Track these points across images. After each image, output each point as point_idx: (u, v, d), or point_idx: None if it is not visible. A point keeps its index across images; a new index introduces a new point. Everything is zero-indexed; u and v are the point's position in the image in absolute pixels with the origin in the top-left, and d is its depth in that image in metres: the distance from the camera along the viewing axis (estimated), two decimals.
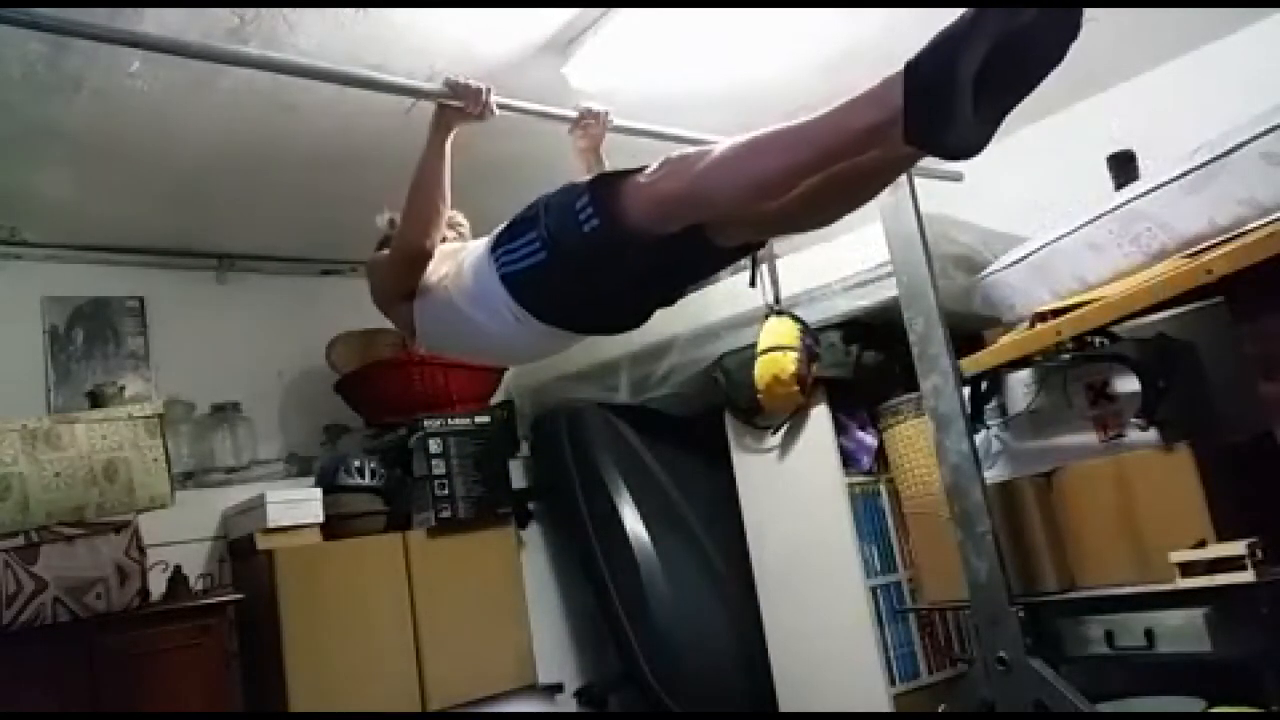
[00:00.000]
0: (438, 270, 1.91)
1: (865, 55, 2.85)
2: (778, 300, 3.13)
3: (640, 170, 1.55)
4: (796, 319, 3.11)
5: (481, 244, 1.81)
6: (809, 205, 1.56)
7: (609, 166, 2.19)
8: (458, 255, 1.90)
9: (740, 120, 2.62)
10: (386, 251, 2.03)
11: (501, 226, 1.76)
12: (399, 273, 1.94)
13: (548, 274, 1.65)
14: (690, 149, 1.51)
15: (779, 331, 3.10)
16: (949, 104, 1.23)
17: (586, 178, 1.71)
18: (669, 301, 1.83)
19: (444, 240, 2.01)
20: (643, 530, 3.69)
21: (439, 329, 1.94)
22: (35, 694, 2.48)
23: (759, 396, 3.18)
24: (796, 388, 3.11)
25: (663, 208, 1.50)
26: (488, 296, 1.74)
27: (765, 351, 3.11)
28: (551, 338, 1.83)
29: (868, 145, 1.38)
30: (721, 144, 1.47)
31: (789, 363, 3.07)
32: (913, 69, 1.27)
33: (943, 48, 1.25)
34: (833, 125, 1.37)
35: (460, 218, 2.16)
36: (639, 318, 1.84)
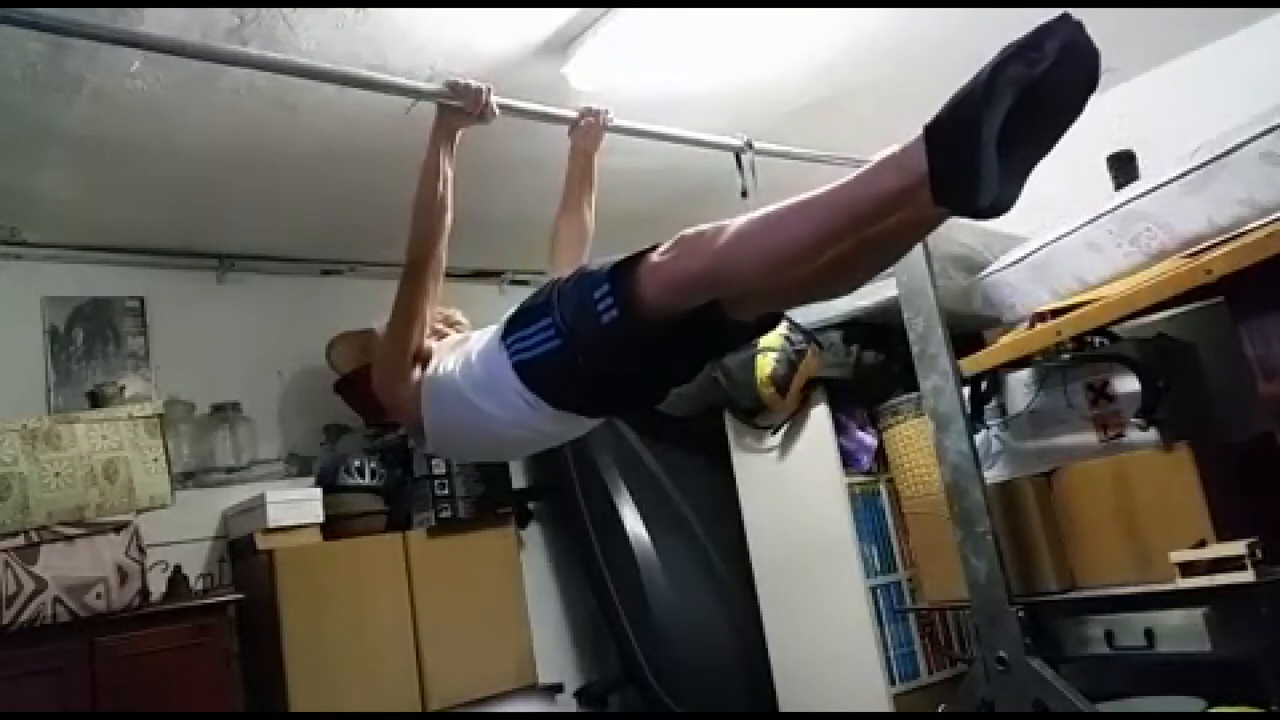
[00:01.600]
0: (444, 362, 1.84)
1: (865, 55, 2.85)
2: None
3: (653, 249, 1.51)
4: (785, 317, 3.09)
5: (490, 333, 1.77)
6: (834, 272, 1.52)
7: (595, 177, 2.19)
8: (464, 346, 1.84)
9: (740, 120, 2.64)
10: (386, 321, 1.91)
11: (511, 312, 1.73)
12: (406, 302, 1.83)
13: (563, 361, 1.61)
14: (705, 225, 1.47)
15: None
16: (975, 163, 1.22)
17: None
18: (686, 380, 1.79)
19: (447, 335, 1.97)
20: (643, 530, 3.69)
21: (446, 424, 1.84)
22: (35, 694, 2.48)
23: (760, 397, 3.19)
24: (773, 390, 3.11)
25: (680, 287, 1.47)
26: (499, 385, 1.70)
27: (760, 352, 3.13)
28: (564, 422, 1.78)
29: (894, 210, 1.35)
30: (739, 220, 1.43)
31: (766, 364, 3.08)
32: (934, 130, 1.26)
33: (964, 106, 1.24)
34: (856, 193, 1.34)
35: (460, 315, 2.09)
36: (655, 398, 1.82)
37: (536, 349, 1.63)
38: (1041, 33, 1.24)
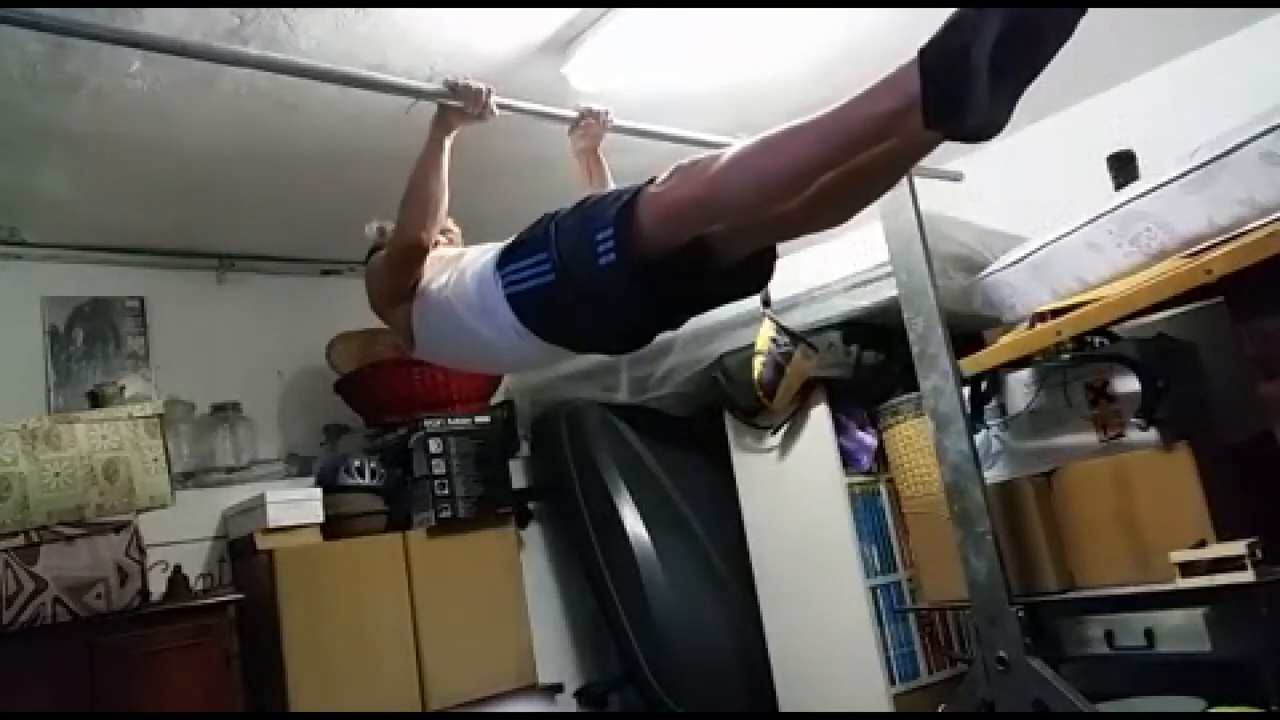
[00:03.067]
0: (436, 277, 1.90)
1: (865, 55, 2.85)
2: (766, 303, 3.11)
3: (650, 181, 1.53)
4: (774, 320, 3.10)
5: (486, 258, 1.78)
6: (823, 203, 1.52)
7: (606, 167, 2.19)
8: (458, 262, 1.88)
9: (740, 120, 2.63)
10: (383, 253, 2.01)
11: (509, 241, 1.75)
12: (396, 270, 1.93)
13: (555, 296, 1.63)
14: (700, 153, 1.49)
15: (759, 334, 3.11)
16: (966, 84, 1.23)
17: (600, 190, 1.70)
18: (673, 325, 1.80)
19: (438, 244, 1.99)
20: (643, 530, 3.69)
21: (437, 336, 1.92)
22: (35, 694, 2.48)
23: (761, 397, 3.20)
24: (761, 394, 3.11)
25: (678, 215, 1.48)
26: (492, 312, 1.73)
27: (752, 354, 3.14)
28: (551, 352, 1.83)
29: (886, 133, 1.35)
30: (734, 146, 1.45)
31: (756, 367, 3.08)
32: (927, 53, 1.27)
33: (955, 29, 1.25)
34: (849, 116, 1.35)
35: (451, 224, 2.13)
36: (641, 341, 1.83)
37: (529, 282, 1.65)
38: None
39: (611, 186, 2.19)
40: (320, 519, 3.18)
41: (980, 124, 1.26)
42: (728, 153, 1.44)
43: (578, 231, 1.59)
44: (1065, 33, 1.30)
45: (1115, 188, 2.68)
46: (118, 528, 2.67)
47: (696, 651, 3.54)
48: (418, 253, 1.88)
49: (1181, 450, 2.26)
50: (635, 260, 1.50)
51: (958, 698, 2.54)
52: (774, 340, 3.08)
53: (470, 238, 2.25)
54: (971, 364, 2.53)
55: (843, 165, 1.41)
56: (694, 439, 3.85)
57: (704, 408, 3.65)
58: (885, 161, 1.48)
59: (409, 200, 1.89)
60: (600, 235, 1.52)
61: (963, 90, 1.24)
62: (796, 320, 3.15)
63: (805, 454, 3.35)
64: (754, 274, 1.68)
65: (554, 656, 3.85)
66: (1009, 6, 1.24)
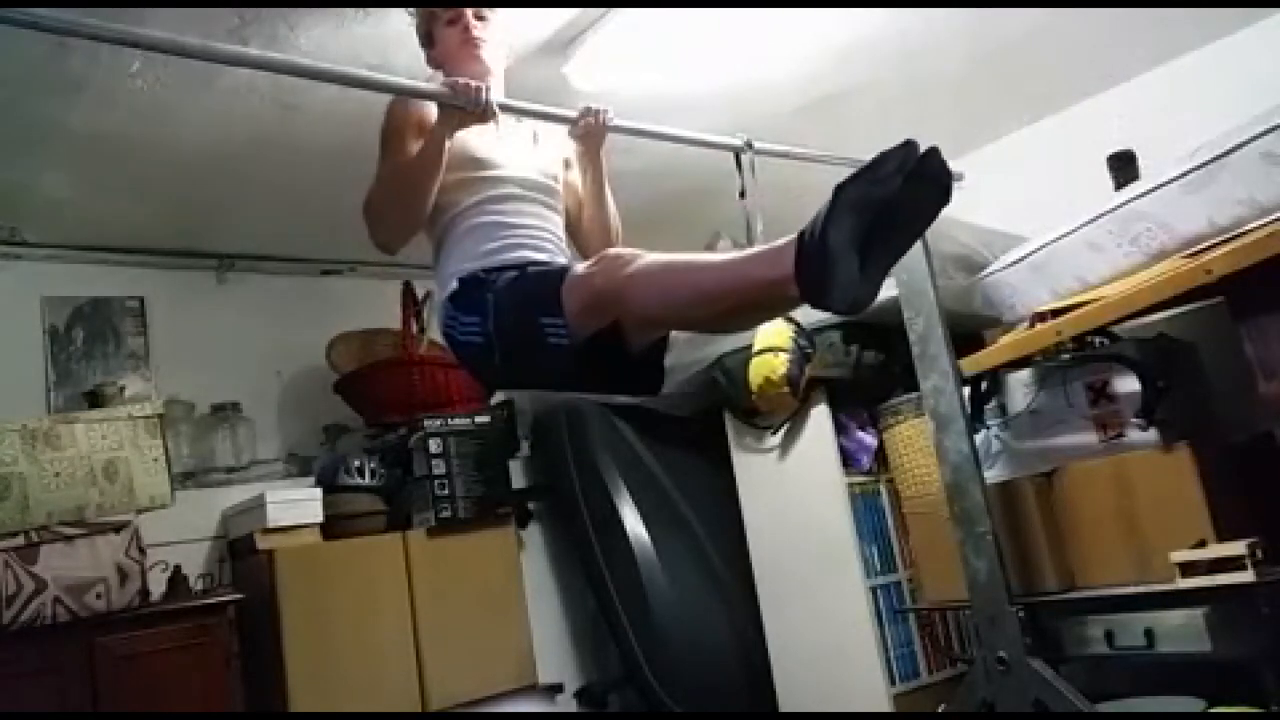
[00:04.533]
0: (457, 197, 1.98)
1: (864, 55, 2.85)
2: None
3: (581, 263, 1.77)
4: (790, 320, 3.11)
5: (464, 254, 1.95)
6: (711, 323, 1.80)
7: (605, 171, 2.19)
8: (474, 192, 1.98)
9: (740, 120, 2.64)
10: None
11: (459, 281, 1.91)
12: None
13: (480, 355, 1.86)
14: (626, 250, 1.67)
15: (771, 333, 3.10)
16: (829, 270, 1.37)
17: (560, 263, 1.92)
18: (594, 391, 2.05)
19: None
20: (643, 530, 3.69)
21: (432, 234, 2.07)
22: (35, 694, 2.48)
23: (753, 398, 3.18)
24: (787, 389, 3.11)
25: (594, 302, 1.65)
26: (440, 304, 1.98)
27: (759, 353, 3.12)
28: None
29: (766, 292, 1.52)
30: (649, 258, 1.62)
31: (779, 364, 3.08)
32: (801, 236, 1.42)
33: (817, 222, 1.39)
34: (741, 272, 1.54)
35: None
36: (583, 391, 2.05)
37: (463, 334, 1.88)
38: (879, 159, 1.38)
39: (609, 191, 2.20)
40: (320, 519, 3.18)
41: (848, 302, 1.40)
42: (642, 261, 1.61)
43: (519, 312, 1.78)
44: (928, 220, 1.46)
45: (1115, 188, 2.68)
46: (118, 528, 2.66)
47: (696, 651, 3.54)
48: (385, 251, 1.98)
49: (1182, 450, 2.26)
50: (582, 341, 1.68)
51: (958, 698, 2.54)
52: (794, 339, 3.08)
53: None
54: (971, 364, 2.53)
55: (732, 303, 1.59)
56: (694, 439, 3.85)
57: (704, 408, 3.65)
58: (764, 307, 1.69)
59: (398, 196, 1.91)
60: (546, 320, 1.70)
61: (827, 274, 1.37)
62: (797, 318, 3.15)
63: (805, 454, 3.35)
64: (647, 368, 1.85)
65: (554, 656, 3.84)
66: (862, 201, 1.37)
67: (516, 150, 2.08)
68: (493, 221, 1.96)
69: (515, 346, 1.79)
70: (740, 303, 1.59)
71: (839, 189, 1.39)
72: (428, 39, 2.12)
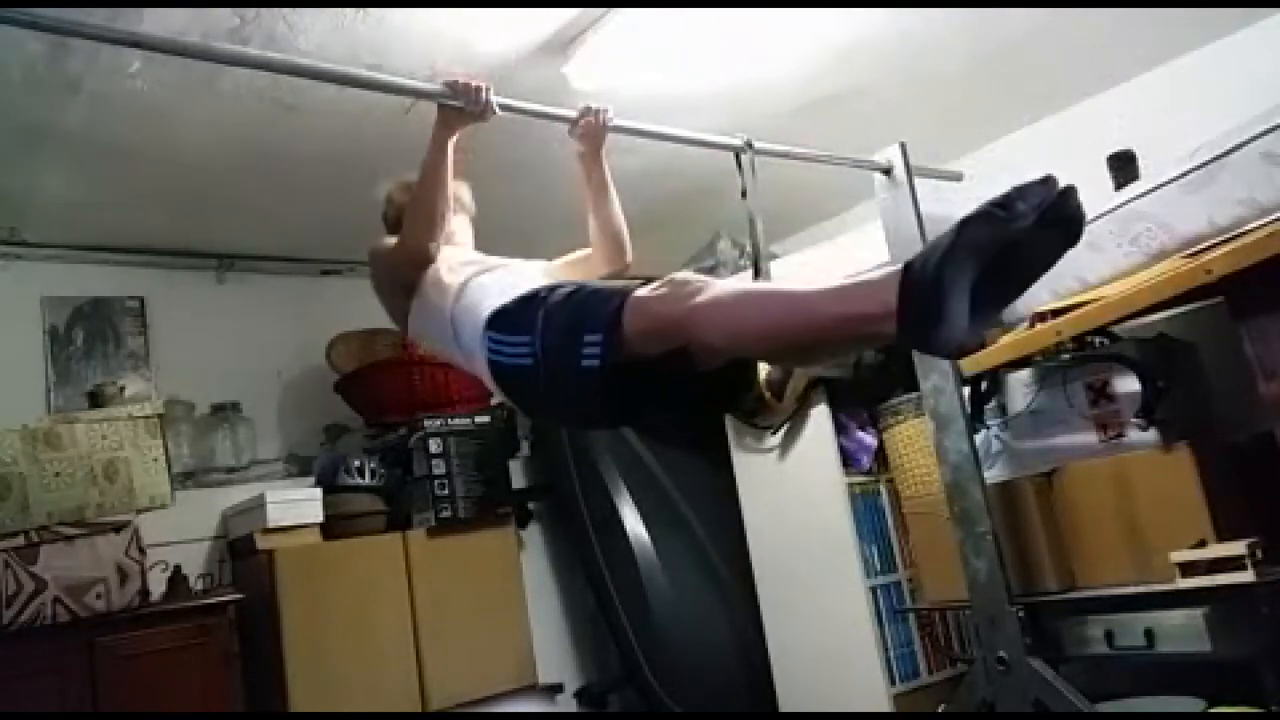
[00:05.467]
0: (439, 283, 1.94)
1: (865, 54, 2.85)
2: None
3: (644, 282, 1.59)
4: None
5: (482, 309, 1.82)
6: (785, 356, 1.69)
7: (607, 170, 2.19)
8: (461, 279, 1.93)
9: (740, 120, 2.64)
10: (390, 242, 2.06)
11: (500, 306, 1.78)
12: (400, 269, 2.00)
13: (528, 379, 1.70)
14: (695, 277, 1.54)
15: None
16: (940, 311, 1.24)
17: (602, 284, 1.77)
18: (635, 425, 1.91)
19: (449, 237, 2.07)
20: (643, 530, 3.69)
21: (429, 338, 2.06)
22: (35, 694, 2.48)
23: (765, 398, 3.19)
24: (768, 394, 3.12)
25: (656, 330, 1.52)
26: (474, 359, 1.84)
27: None
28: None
29: (856, 328, 1.38)
30: (724, 284, 1.50)
31: (763, 368, 3.09)
32: (911, 269, 1.29)
33: (932, 258, 1.27)
34: (828, 305, 1.39)
35: (463, 190, 2.22)
36: (610, 427, 1.94)
37: (509, 359, 1.72)
38: (1012, 195, 1.26)
39: (612, 190, 2.19)
40: (320, 519, 3.18)
41: (952, 346, 1.28)
42: (715, 288, 1.49)
43: (566, 328, 1.63)
44: (1051, 263, 1.32)
45: (1115, 188, 2.68)
46: (118, 528, 2.66)
47: (696, 651, 3.55)
48: (423, 262, 1.96)
49: (1182, 450, 2.26)
50: (617, 367, 1.55)
51: (958, 698, 2.54)
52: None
53: (472, 209, 2.27)
54: (972, 364, 2.53)
55: (808, 340, 1.47)
56: (694, 439, 3.85)
57: None
58: (854, 341, 1.56)
59: (416, 212, 1.94)
60: (589, 338, 1.56)
61: (937, 318, 1.25)
62: None
63: (805, 454, 3.35)
64: (722, 392, 1.75)
65: (554, 656, 3.85)
66: (986, 242, 1.25)
67: (491, 257, 2.12)
68: (494, 280, 1.93)
69: (555, 366, 1.64)
70: (820, 339, 1.46)
71: (964, 223, 1.26)
72: (397, 223, 2.12)
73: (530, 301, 1.73)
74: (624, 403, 1.65)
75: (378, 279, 2.09)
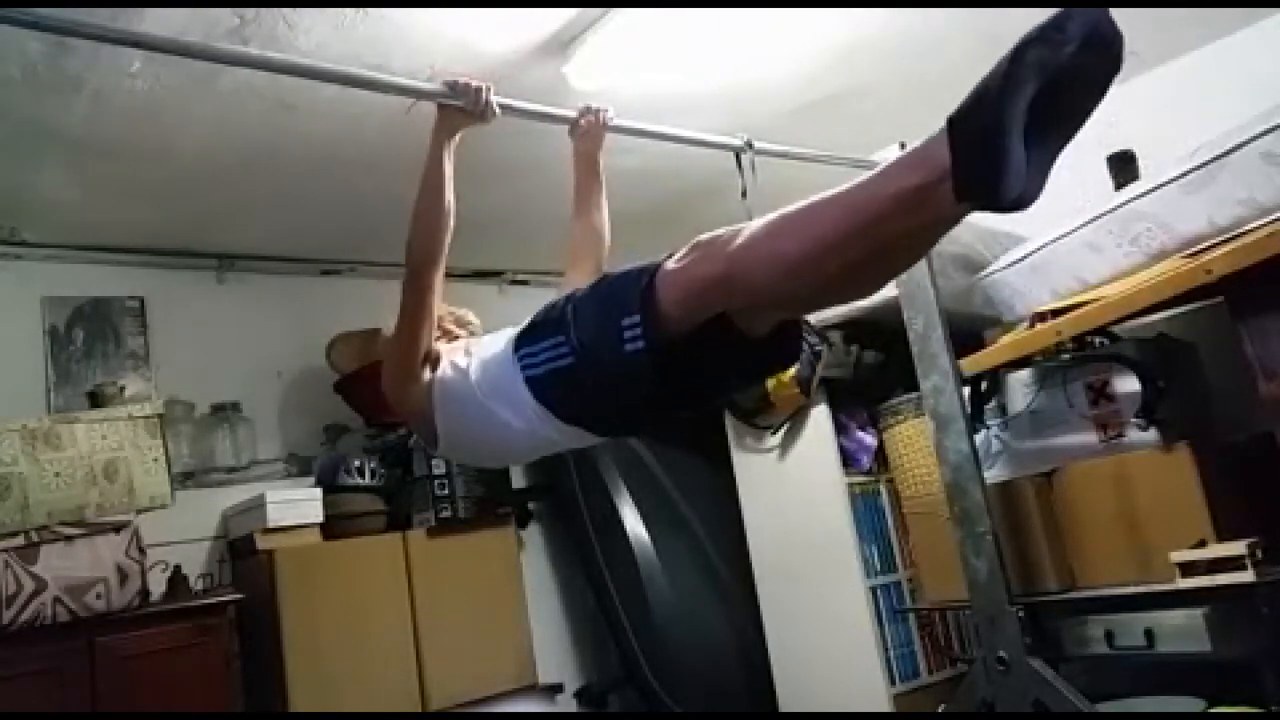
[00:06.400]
0: (456, 363, 1.83)
1: (865, 54, 2.85)
2: None
3: (669, 257, 1.49)
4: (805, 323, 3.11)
5: (501, 338, 1.75)
6: (847, 279, 1.44)
7: (601, 176, 2.18)
8: (475, 350, 1.83)
9: (740, 120, 2.64)
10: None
11: (524, 325, 1.71)
12: (415, 304, 1.80)
13: (573, 379, 1.59)
14: (720, 229, 1.43)
15: None
16: (1001, 151, 1.16)
17: (624, 268, 1.62)
18: (699, 410, 1.75)
19: (454, 337, 1.97)
20: (643, 530, 3.69)
21: (459, 427, 1.82)
22: (35, 694, 2.48)
23: (769, 398, 3.19)
24: (798, 389, 3.12)
25: (696, 293, 1.43)
26: (511, 394, 1.69)
27: None
28: (574, 434, 1.75)
29: (914, 209, 1.27)
30: (755, 222, 1.39)
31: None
32: (957, 121, 1.21)
33: (986, 95, 1.19)
34: (874, 192, 1.29)
35: (472, 316, 2.10)
36: (663, 423, 1.76)
37: (547, 365, 1.61)
38: (1063, 16, 1.19)
39: (603, 199, 2.18)
40: (320, 519, 3.18)
41: (1016, 194, 1.18)
42: (747, 229, 1.38)
43: (600, 317, 1.53)
44: (1101, 93, 1.25)
45: (1115, 188, 2.68)
46: (117, 528, 2.66)
47: (696, 651, 3.55)
48: (432, 271, 1.79)
49: (1182, 450, 2.26)
50: (662, 345, 1.45)
51: (958, 698, 2.54)
52: (805, 338, 3.08)
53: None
54: (972, 364, 2.53)
55: (864, 244, 1.33)
56: (694, 439, 3.85)
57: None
58: (911, 236, 1.39)
59: (420, 216, 1.82)
60: (626, 321, 1.46)
61: (998, 157, 1.16)
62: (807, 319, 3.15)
63: (805, 454, 3.35)
64: (779, 349, 1.62)
65: (554, 657, 3.85)
66: (1040, 64, 1.18)
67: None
68: (494, 333, 1.85)
69: (603, 357, 1.51)
70: (878, 239, 1.31)
71: (1020, 49, 1.17)
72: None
73: (553, 306, 1.65)
74: (678, 385, 1.53)
75: (390, 374, 1.87)
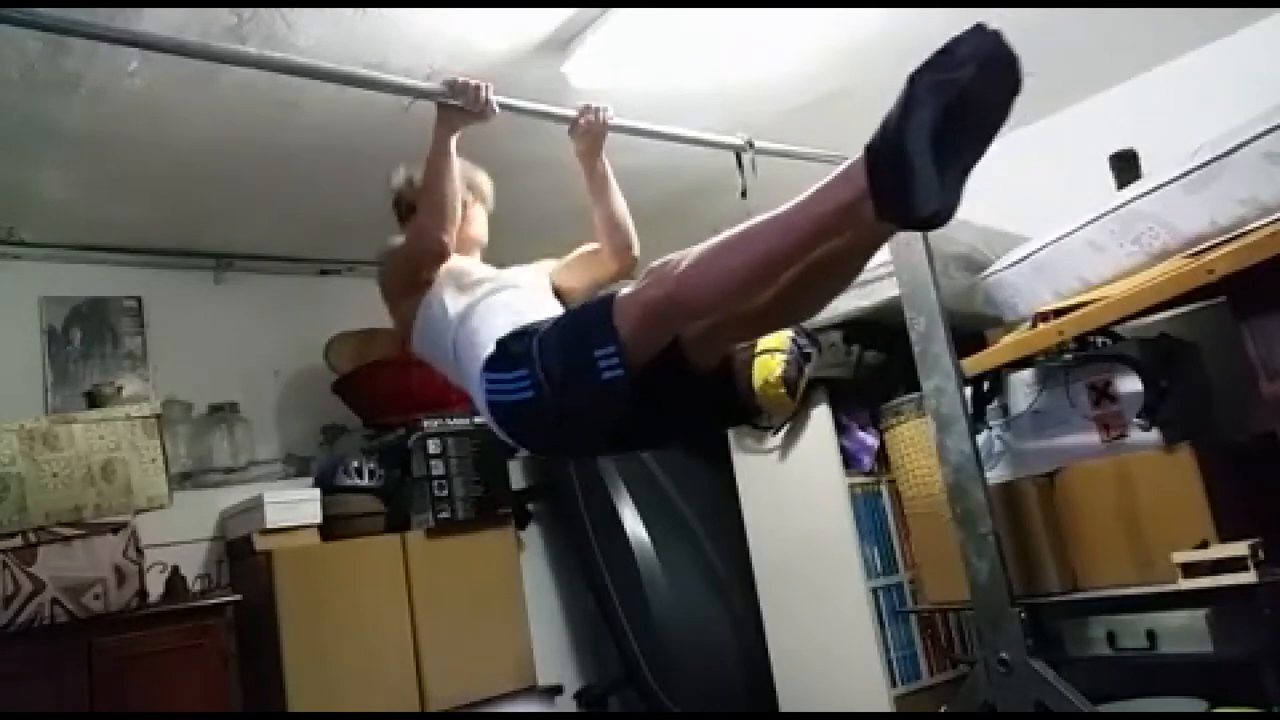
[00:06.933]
0: (443, 301, 1.93)
1: (864, 54, 2.85)
2: None
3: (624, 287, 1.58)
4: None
5: (482, 332, 1.82)
6: (787, 300, 1.56)
7: (609, 170, 2.18)
8: (468, 295, 1.92)
9: (740, 119, 2.63)
10: (400, 242, 2.04)
11: (495, 345, 1.75)
12: (413, 267, 1.98)
13: (533, 412, 1.65)
14: (670, 255, 1.50)
15: (770, 334, 3.10)
16: (909, 171, 1.26)
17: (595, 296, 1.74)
18: (658, 446, 1.88)
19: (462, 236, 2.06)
20: (643, 530, 3.68)
21: (431, 355, 2.04)
22: (33, 694, 2.47)
23: (756, 399, 3.18)
24: (783, 390, 3.11)
25: (651, 316, 1.49)
26: (475, 395, 1.83)
27: (760, 354, 3.12)
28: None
29: (842, 226, 1.38)
30: (700, 246, 1.47)
31: (775, 366, 3.08)
32: (871, 146, 1.31)
33: (890, 120, 1.29)
34: (805, 211, 1.38)
35: (483, 178, 2.18)
36: (621, 451, 1.87)
37: (509, 395, 1.67)
38: (952, 43, 1.30)
39: (614, 185, 2.18)
40: (318, 520, 3.17)
41: (930, 210, 1.27)
42: (694, 252, 1.46)
43: (568, 350, 1.59)
44: (1003, 112, 1.33)
45: (1117, 187, 2.67)
46: (115, 528, 2.66)
47: (696, 652, 3.54)
48: (437, 257, 1.93)
49: (1184, 450, 2.25)
50: (636, 374, 1.50)
51: (959, 699, 2.53)
52: (794, 339, 3.08)
53: (489, 202, 2.26)
54: (974, 364, 2.53)
55: (802, 260, 1.44)
56: (694, 440, 3.84)
57: None
58: (845, 255, 1.50)
59: (425, 206, 1.91)
60: (600, 353, 1.51)
61: (907, 180, 1.26)
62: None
63: (806, 454, 3.35)
64: (721, 389, 1.71)
65: (553, 658, 3.84)
66: (936, 92, 1.27)
67: (502, 271, 2.10)
68: (502, 304, 1.92)
69: (568, 391, 1.58)
70: (811, 260, 1.42)
71: (913, 77, 1.29)
72: (410, 209, 2.09)
73: (521, 337, 1.71)
74: (655, 410, 1.60)
75: (386, 280, 2.06)
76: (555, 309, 1.99)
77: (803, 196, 1.39)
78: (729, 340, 1.66)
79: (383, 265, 2.09)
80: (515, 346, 1.69)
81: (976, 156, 1.34)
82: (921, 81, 1.28)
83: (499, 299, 1.92)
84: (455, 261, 2.00)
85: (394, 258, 2.05)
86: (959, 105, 1.27)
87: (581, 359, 1.53)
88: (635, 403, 1.51)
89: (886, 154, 1.28)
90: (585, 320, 1.60)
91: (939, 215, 1.28)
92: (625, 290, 1.55)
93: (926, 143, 1.26)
